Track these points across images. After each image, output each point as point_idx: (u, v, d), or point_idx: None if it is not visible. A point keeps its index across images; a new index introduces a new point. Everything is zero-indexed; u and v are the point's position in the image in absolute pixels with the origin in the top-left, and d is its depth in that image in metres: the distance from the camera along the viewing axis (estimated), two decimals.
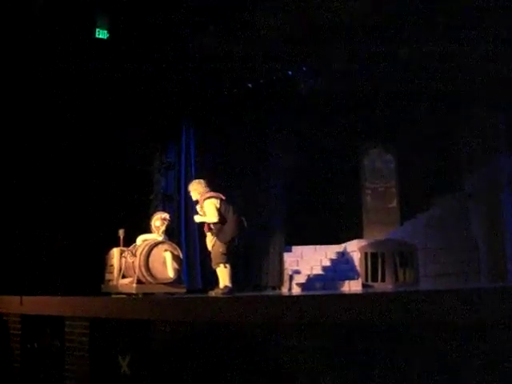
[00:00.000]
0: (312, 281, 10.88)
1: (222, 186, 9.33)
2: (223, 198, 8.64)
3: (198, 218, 8.70)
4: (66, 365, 7.44)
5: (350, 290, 10.34)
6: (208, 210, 8.52)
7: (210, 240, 8.59)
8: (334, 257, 11.84)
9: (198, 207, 8.73)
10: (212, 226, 8.53)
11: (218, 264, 8.48)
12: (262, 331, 5.01)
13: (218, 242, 8.47)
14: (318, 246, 12.10)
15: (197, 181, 8.90)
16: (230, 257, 8.53)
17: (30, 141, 10.21)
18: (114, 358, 6.84)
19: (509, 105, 10.44)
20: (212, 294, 8.43)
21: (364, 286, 10.24)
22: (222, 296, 8.06)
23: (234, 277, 8.60)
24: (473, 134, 10.93)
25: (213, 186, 8.86)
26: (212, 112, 11.73)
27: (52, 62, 9.94)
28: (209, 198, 8.59)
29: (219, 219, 8.45)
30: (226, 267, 8.45)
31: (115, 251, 8.90)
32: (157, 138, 11.55)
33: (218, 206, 8.54)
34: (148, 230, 9.09)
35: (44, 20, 9.44)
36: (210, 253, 8.66)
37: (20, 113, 10.14)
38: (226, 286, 8.40)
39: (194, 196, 8.80)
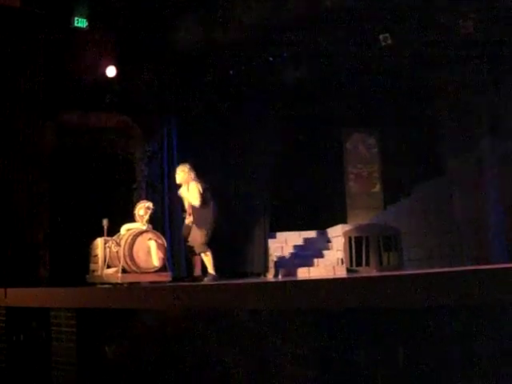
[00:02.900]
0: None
1: (205, 173, 9.50)
2: (206, 186, 8.93)
3: (183, 192, 9.04)
4: (52, 356, 7.43)
5: (335, 274, 10.39)
6: (192, 193, 8.90)
7: (187, 223, 9.07)
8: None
9: (180, 190, 9.13)
10: (192, 210, 8.96)
11: (200, 253, 8.92)
12: (249, 318, 5.02)
13: (197, 231, 8.84)
14: (302, 232, 12.14)
15: (181, 166, 9.22)
16: (209, 245, 8.94)
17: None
18: (101, 348, 6.83)
19: (491, 89, 10.48)
20: (205, 280, 8.79)
21: (348, 270, 10.28)
22: (208, 283, 8.23)
23: (217, 264, 9.02)
24: (456, 117, 10.97)
25: (196, 173, 9.16)
26: (194, 99, 11.69)
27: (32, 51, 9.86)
28: (193, 181, 8.97)
29: (201, 204, 8.82)
30: (207, 255, 8.88)
31: (99, 241, 8.87)
32: (139, 126, 11.50)
33: (201, 191, 8.85)
34: (132, 219, 9.08)
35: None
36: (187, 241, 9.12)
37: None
38: (209, 274, 8.83)
39: (178, 179, 9.17)
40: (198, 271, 9.06)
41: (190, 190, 8.90)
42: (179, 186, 9.20)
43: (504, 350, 4.08)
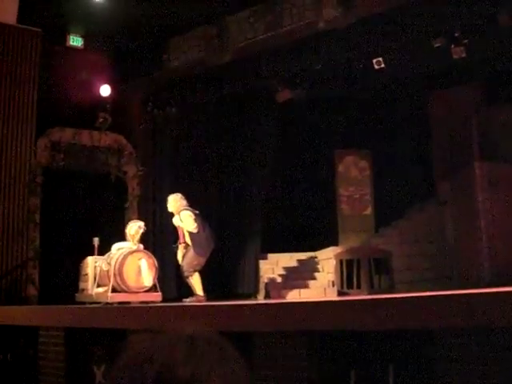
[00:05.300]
0: None
1: (197, 195, 9.50)
2: (197, 212, 8.95)
3: (176, 221, 8.95)
4: (40, 375, 7.36)
5: (326, 296, 10.37)
6: (186, 221, 8.85)
7: (182, 253, 8.96)
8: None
9: (173, 219, 9.04)
10: (188, 237, 8.88)
11: (190, 274, 8.86)
12: (239, 340, 4.96)
13: (193, 254, 8.83)
14: (293, 254, 12.11)
15: (173, 195, 9.14)
16: (200, 268, 8.93)
17: None
18: (90, 368, 6.77)
19: (483, 112, 10.55)
20: (186, 301, 8.73)
21: (339, 293, 10.25)
22: (196, 304, 8.17)
23: (208, 285, 9.06)
24: (448, 141, 11.03)
25: (189, 198, 9.13)
26: (187, 119, 11.72)
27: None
28: (184, 210, 8.91)
29: (197, 231, 8.78)
30: (193, 278, 8.86)
31: (90, 260, 8.82)
32: (132, 145, 11.51)
33: (194, 217, 8.85)
34: (123, 238, 9.04)
35: None
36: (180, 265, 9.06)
37: None
38: (198, 295, 8.79)
39: (170, 208, 9.11)
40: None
41: (182, 218, 8.86)
42: (172, 214, 9.15)
43: (494, 372, 4.07)
